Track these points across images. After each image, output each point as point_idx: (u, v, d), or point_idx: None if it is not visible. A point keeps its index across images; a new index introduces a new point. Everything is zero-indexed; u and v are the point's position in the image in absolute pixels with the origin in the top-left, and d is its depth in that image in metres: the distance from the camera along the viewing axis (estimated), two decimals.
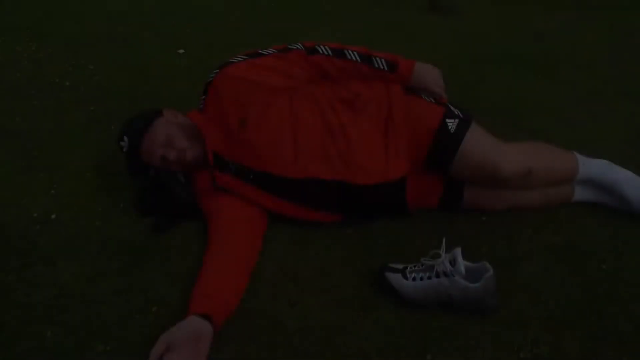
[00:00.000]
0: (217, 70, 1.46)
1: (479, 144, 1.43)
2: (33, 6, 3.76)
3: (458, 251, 1.18)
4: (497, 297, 1.22)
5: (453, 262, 1.16)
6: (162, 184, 1.51)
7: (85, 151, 1.86)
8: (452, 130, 1.42)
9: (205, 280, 1.17)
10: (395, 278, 1.23)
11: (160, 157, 1.42)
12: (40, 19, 3.48)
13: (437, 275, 1.18)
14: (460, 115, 1.46)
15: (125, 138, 1.43)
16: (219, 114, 1.41)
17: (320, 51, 1.44)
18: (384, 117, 1.44)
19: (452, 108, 1.48)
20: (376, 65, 1.45)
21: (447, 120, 1.43)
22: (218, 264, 1.23)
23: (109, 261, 1.34)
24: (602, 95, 2.78)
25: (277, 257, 1.39)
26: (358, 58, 1.45)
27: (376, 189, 1.38)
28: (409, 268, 1.24)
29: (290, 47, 1.47)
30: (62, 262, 1.33)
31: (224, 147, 1.40)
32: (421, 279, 1.20)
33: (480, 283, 1.16)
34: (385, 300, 1.24)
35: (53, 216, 1.50)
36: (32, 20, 3.44)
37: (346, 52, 1.45)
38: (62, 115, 2.12)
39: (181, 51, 2.94)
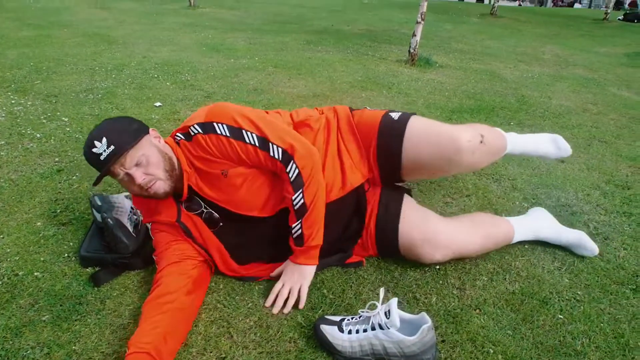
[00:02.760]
0: (201, 132, 1.33)
1: (428, 123, 1.54)
2: (23, 63, 3.90)
3: (393, 302, 1.12)
4: (437, 350, 1.15)
5: (388, 314, 1.11)
6: (109, 230, 1.49)
7: (41, 201, 1.84)
8: (396, 118, 1.53)
9: (145, 337, 1.12)
10: (331, 331, 1.16)
11: (127, 174, 1.27)
12: (28, 73, 3.60)
13: (373, 328, 1.12)
14: (402, 112, 1.57)
15: (106, 146, 1.21)
16: (201, 158, 1.35)
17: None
18: (335, 134, 1.52)
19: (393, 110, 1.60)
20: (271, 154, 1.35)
21: (390, 113, 1.55)
22: (159, 321, 1.17)
23: (38, 312, 1.28)
24: (572, 142, 2.80)
25: (213, 308, 1.33)
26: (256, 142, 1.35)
27: (339, 202, 1.45)
28: (346, 320, 1.19)
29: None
30: None
31: (198, 185, 1.38)
32: (357, 331, 1.14)
33: (416, 336, 1.10)
34: (322, 354, 1.18)
35: None
36: (21, 74, 3.55)
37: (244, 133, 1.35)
38: (25, 165, 2.12)
39: (158, 104, 3.00)
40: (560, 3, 24.81)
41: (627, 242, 1.79)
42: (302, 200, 1.33)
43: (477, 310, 1.36)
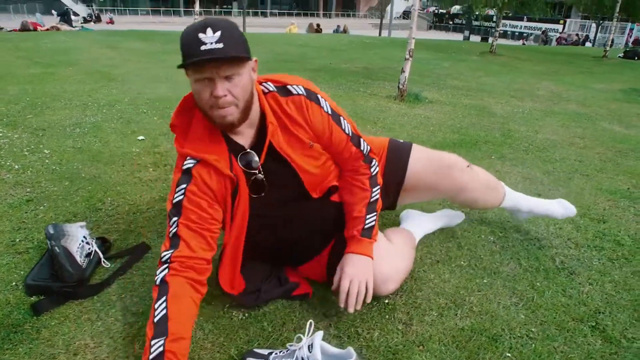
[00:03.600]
0: (305, 95, 1.31)
1: (428, 149, 1.73)
2: (21, 98, 4.03)
3: (317, 335, 1.09)
4: None
5: (311, 347, 1.07)
6: (55, 258, 1.50)
7: (3, 230, 1.85)
8: (402, 141, 1.70)
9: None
10: None
11: (210, 79, 1.12)
12: (23, 108, 3.71)
13: None
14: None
15: (217, 40, 1.08)
16: (292, 119, 1.30)
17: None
18: None
19: None
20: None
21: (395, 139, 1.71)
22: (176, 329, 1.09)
23: None
24: (553, 175, 2.78)
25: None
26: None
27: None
28: (274, 354, 1.15)
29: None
30: None
31: (279, 141, 1.29)
32: None
33: None
34: None
35: None
36: (15, 109, 3.66)
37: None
38: None
39: (141, 137, 3.06)
40: (564, 42, 25.18)
41: (593, 277, 1.73)
42: (378, 196, 1.46)
43: (421, 347, 1.31)
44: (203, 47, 1.07)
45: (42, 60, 6.59)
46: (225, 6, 41.52)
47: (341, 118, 1.39)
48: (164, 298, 1.12)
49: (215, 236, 1.26)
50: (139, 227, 1.93)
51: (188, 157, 1.24)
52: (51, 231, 1.59)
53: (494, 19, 13.71)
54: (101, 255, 1.66)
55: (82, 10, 34.40)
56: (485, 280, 1.66)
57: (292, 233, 1.46)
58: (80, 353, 1.25)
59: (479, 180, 1.74)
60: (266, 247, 1.48)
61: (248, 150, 1.29)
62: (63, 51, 7.70)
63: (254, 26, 26.97)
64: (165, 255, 1.19)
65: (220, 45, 1.07)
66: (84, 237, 1.64)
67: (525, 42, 26.14)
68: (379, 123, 3.80)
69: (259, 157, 1.29)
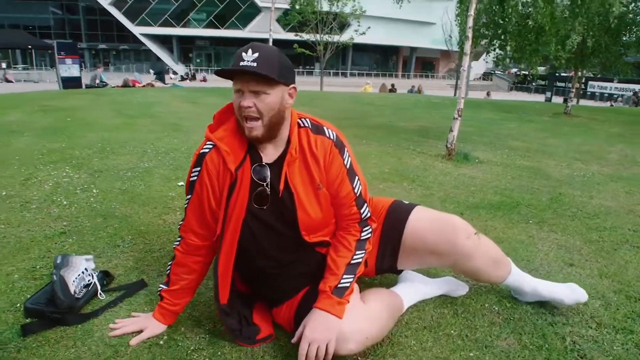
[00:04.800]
0: (334, 141, 1.44)
1: (434, 210, 1.72)
2: (94, 144, 4.53)
3: None
4: None
5: None
6: (51, 285, 1.63)
7: (31, 257, 2.06)
8: (406, 202, 1.72)
9: (177, 299, 1.55)
10: None
11: (241, 90, 1.30)
12: (93, 152, 4.17)
13: None
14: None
15: (252, 60, 1.26)
16: (314, 157, 1.41)
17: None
18: None
19: None
20: None
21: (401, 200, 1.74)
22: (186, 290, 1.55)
23: None
24: (596, 245, 2.53)
25: None
26: None
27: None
28: None
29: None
30: None
31: (292, 172, 1.39)
32: None
33: None
34: None
35: None
36: (86, 153, 4.12)
37: None
38: (38, 226, 2.41)
39: (180, 183, 3.28)
40: None
41: None
42: (360, 260, 1.48)
43: None
44: (241, 63, 1.27)
45: (127, 112, 7.39)
46: (307, 67, 44.06)
47: (356, 177, 1.48)
48: (169, 264, 1.57)
49: (215, 214, 1.44)
50: (144, 265, 2.04)
51: (208, 142, 1.43)
52: (58, 261, 1.74)
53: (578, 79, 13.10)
54: (99, 287, 1.78)
55: (181, 69, 38.44)
56: (472, 354, 1.52)
57: (274, 266, 1.49)
58: None
59: (485, 250, 1.65)
60: (250, 272, 1.54)
61: (264, 164, 1.40)
62: (148, 105, 8.59)
63: (333, 85, 28.24)
64: (179, 227, 1.54)
65: (254, 64, 1.26)
66: (85, 269, 1.77)
67: (613, 104, 24.54)
68: (417, 181, 3.73)
69: (277, 181, 1.39)
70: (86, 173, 3.46)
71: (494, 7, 4.94)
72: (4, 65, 29.29)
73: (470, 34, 4.24)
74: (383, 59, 49.79)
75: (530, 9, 4.87)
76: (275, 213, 1.42)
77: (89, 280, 1.76)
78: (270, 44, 10.39)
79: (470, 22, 4.24)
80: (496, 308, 1.81)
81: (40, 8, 38.64)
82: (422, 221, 1.63)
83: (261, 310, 1.60)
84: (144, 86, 16.62)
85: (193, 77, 35.43)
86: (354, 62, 46.74)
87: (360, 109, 9.72)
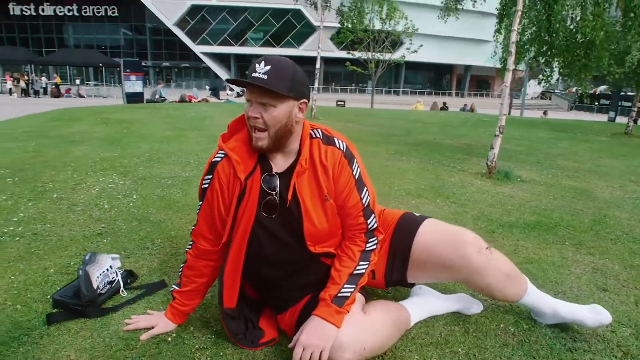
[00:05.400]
0: (343, 152, 1.47)
1: (444, 223, 1.69)
2: (144, 154, 4.81)
3: None
4: None
5: None
6: (76, 279, 1.76)
7: (68, 254, 2.22)
8: (417, 214, 1.71)
9: (187, 300, 1.61)
10: None
11: (250, 100, 1.37)
12: (142, 161, 4.42)
13: None
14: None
15: (263, 73, 1.30)
16: (324, 167, 1.44)
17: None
18: None
19: None
20: None
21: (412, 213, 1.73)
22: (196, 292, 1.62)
23: None
24: (637, 270, 2.36)
25: None
26: None
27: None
28: None
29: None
30: None
31: (301, 184, 1.43)
32: None
33: None
34: None
35: None
36: (135, 162, 4.38)
37: None
38: (80, 227, 2.60)
39: None
40: None
41: None
42: (363, 271, 1.49)
43: None
44: (253, 74, 1.31)
45: (180, 125, 7.78)
46: (360, 84, 44.31)
47: (365, 188, 1.50)
48: (181, 266, 1.65)
49: (224, 221, 1.49)
50: (168, 267, 2.14)
51: (220, 150, 1.47)
52: (86, 258, 1.87)
53: None
54: (121, 285, 1.89)
55: (237, 87, 39.89)
56: None
57: (279, 275, 1.53)
58: None
59: (497, 265, 1.60)
60: (257, 279, 1.58)
61: (273, 173, 1.45)
62: (200, 119, 8.99)
63: (385, 103, 28.20)
64: (191, 232, 1.61)
65: (264, 77, 1.30)
66: (110, 266, 1.89)
67: None
68: (451, 198, 3.65)
69: (286, 189, 1.43)
70: (131, 180, 3.68)
71: (540, 22, 4.78)
72: (77, 81, 31.73)
73: (513, 49, 4.13)
74: (437, 77, 49.13)
75: (578, 23, 4.66)
76: (283, 222, 1.46)
77: (112, 278, 1.88)
78: (318, 62, 10.57)
79: (513, 37, 4.14)
80: (512, 329, 1.73)
81: (113, 29, 41.64)
82: (432, 234, 1.61)
83: (268, 316, 1.64)
84: (199, 101, 17.42)
85: None
86: (407, 80, 46.44)
87: (406, 126, 9.64)
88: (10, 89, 24.87)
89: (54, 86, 25.92)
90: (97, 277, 1.80)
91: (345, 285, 1.44)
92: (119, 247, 2.34)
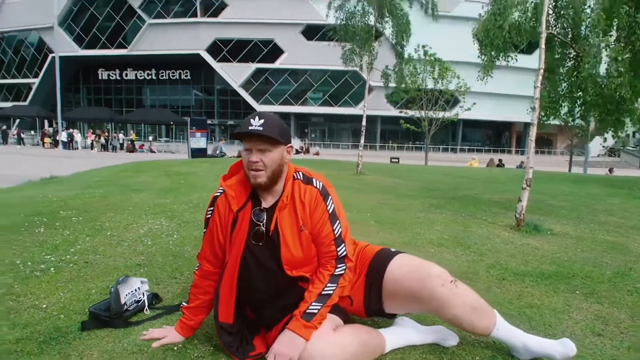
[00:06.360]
0: (319, 191, 1.77)
1: (416, 257, 1.91)
2: (192, 201, 5.30)
3: None
4: None
5: None
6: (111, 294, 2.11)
7: (111, 279, 2.59)
8: (393, 249, 1.94)
9: (193, 315, 1.91)
10: None
11: (250, 149, 1.69)
12: (189, 207, 4.89)
13: None
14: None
15: (259, 126, 1.65)
16: (302, 204, 1.74)
17: None
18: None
19: None
20: None
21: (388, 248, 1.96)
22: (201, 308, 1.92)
23: (37, 333, 1.89)
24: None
25: None
26: None
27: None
28: None
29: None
30: None
31: (281, 218, 1.73)
32: None
33: None
34: None
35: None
36: (183, 208, 4.86)
37: None
38: (124, 258, 3.00)
39: None
40: None
41: None
42: (331, 292, 1.73)
43: None
44: (250, 127, 1.67)
45: None
46: (417, 142, 44.54)
47: (337, 221, 1.78)
48: (190, 285, 1.96)
49: (222, 246, 1.80)
50: (188, 294, 2.45)
51: (220, 188, 1.83)
52: (120, 279, 2.23)
53: None
54: (146, 305, 2.21)
55: (296, 143, 41.60)
56: None
57: (263, 298, 1.79)
58: None
59: (462, 298, 1.76)
60: (249, 301, 1.83)
61: (263, 208, 1.76)
62: None
63: (440, 160, 28.09)
64: (197, 256, 1.93)
65: (260, 128, 1.66)
66: (138, 288, 2.23)
67: None
68: (472, 247, 3.73)
69: (269, 221, 1.74)
70: (175, 223, 4.12)
71: (570, 79, 4.87)
72: (150, 138, 34.65)
73: (537, 104, 4.26)
74: (495, 134, 48.36)
75: (605, 79, 4.72)
76: (267, 249, 1.74)
77: (139, 297, 2.21)
78: (364, 120, 11.03)
79: (537, 94, 4.29)
80: None
81: (185, 91, 45.54)
82: (401, 267, 1.81)
83: (261, 335, 1.87)
84: None
85: (307, 151, 37.94)
86: (465, 137, 46.10)
87: (451, 182, 9.69)
88: (91, 144, 27.66)
89: (129, 142, 28.51)
90: (126, 295, 2.14)
91: (314, 303, 1.67)
92: (152, 276, 2.69)
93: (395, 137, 44.11)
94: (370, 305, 1.86)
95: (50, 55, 38.33)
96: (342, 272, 1.76)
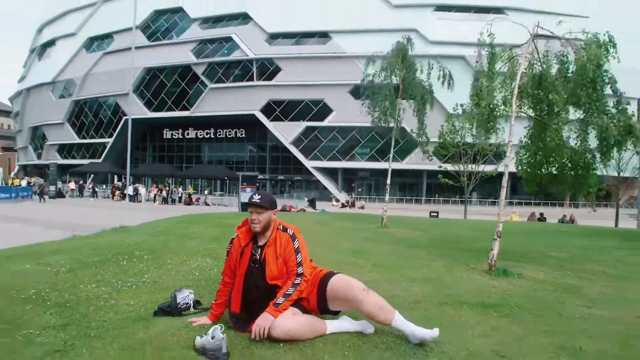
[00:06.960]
0: (290, 236, 3.11)
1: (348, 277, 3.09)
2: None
3: (217, 328, 2.59)
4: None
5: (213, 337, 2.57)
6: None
7: (165, 294, 3.89)
8: (335, 272, 3.12)
9: (217, 308, 3.16)
10: None
11: (252, 212, 3.01)
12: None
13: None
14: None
15: (259, 199, 3.00)
16: (280, 245, 3.06)
17: None
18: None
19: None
20: None
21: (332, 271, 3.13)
22: (223, 304, 3.15)
23: (110, 323, 3.20)
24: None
25: None
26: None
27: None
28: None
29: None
30: None
31: (267, 253, 3.03)
32: None
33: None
34: None
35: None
36: (224, 252, 6.19)
37: None
38: (178, 281, 4.31)
39: None
40: None
41: None
42: (291, 292, 2.95)
43: None
44: (252, 200, 3.04)
45: None
46: (463, 196, 44.55)
47: (300, 253, 3.05)
48: (217, 291, 3.21)
49: (235, 267, 3.08)
50: (215, 296, 3.70)
51: (236, 233, 3.13)
52: (177, 290, 3.53)
53: None
54: (191, 306, 3.48)
55: (343, 197, 42.98)
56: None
57: (256, 298, 3.02)
58: (139, 335, 3.02)
59: (372, 300, 2.92)
60: (249, 300, 3.05)
61: (259, 245, 3.05)
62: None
63: (481, 214, 28.11)
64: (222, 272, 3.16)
65: (258, 200, 3.03)
66: (187, 295, 3.51)
67: None
68: (439, 283, 4.72)
69: (261, 253, 3.02)
70: (217, 261, 5.44)
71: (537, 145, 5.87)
72: (206, 192, 37.44)
73: (510, 154, 5.29)
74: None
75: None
76: (259, 269, 3.01)
77: (188, 301, 3.50)
78: (389, 177, 12.16)
79: (507, 161, 5.31)
80: (378, 340, 2.92)
81: (240, 147, 49.02)
82: (337, 282, 2.99)
83: (254, 321, 3.07)
84: (297, 211, 19.86)
85: (352, 205, 39.12)
86: (515, 190, 45.57)
87: (470, 235, 10.48)
88: (154, 197, 30.48)
89: (187, 195, 31.11)
90: (180, 299, 3.43)
91: (280, 298, 2.90)
92: (196, 292, 3.97)
93: (442, 191, 44.37)
94: (320, 305, 3.02)
95: (124, 118, 43.13)
96: (299, 282, 2.97)
